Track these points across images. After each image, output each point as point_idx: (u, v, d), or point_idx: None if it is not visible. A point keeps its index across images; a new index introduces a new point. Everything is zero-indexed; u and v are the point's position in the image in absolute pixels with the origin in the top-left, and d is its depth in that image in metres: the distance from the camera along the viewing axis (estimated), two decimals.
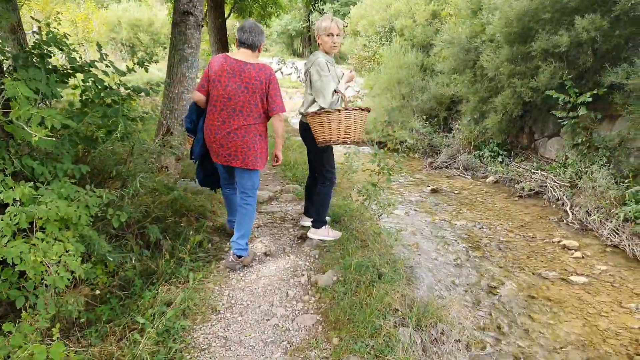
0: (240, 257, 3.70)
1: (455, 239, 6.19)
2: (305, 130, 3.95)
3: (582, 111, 7.18)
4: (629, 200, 5.98)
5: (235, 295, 3.43)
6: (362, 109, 3.60)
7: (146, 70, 3.46)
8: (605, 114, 7.25)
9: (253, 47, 3.46)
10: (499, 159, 9.30)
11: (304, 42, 34.73)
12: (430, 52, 12.50)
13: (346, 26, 17.81)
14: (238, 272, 3.70)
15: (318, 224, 4.18)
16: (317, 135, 3.65)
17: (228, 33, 10.47)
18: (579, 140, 7.42)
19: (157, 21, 26.99)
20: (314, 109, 3.73)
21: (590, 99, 7.06)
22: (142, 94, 3.22)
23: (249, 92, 3.35)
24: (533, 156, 9.12)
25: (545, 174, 8.10)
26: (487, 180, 9.02)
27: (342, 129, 3.49)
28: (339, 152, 8.83)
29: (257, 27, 3.47)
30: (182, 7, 4.31)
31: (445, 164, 10.17)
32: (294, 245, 4.34)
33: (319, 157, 3.95)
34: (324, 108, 3.61)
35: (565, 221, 6.71)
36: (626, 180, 6.23)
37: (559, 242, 5.95)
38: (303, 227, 4.56)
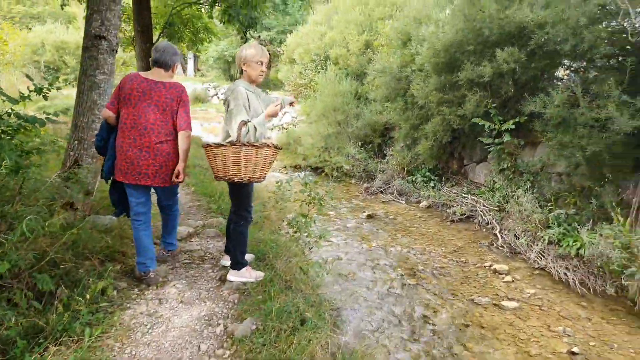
0: (171, 251, 4.05)
1: (390, 266, 6.15)
2: None
3: (506, 138, 7.50)
4: (552, 223, 6.23)
5: (139, 353, 2.92)
6: (262, 146, 3.28)
7: (45, 97, 3.07)
8: (527, 140, 7.62)
9: (166, 66, 3.54)
10: (431, 184, 9.53)
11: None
12: (364, 80, 12.77)
13: (283, 54, 17.83)
14: (145, 324, 3.20)
15: (237, 265, 3.82)
16: (212, 169, 3.45)
17: None
18: (505, 166, 7.73)
19: None
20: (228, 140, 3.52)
21: (513, 127, 7.40)
22: (37, 124, 2.87)
23: (159, 110, 3.38)
24: (463, 181, 9.41)
25: (475, 198, 8.35)
26: (420, 205, 9.18)
27: (230, 165, 3.24)
28: (274, 178, 8.59)
29: (171, 47, 3.57)
30: (93, 30, 3.99)
31: (381, 189, 10.27)
32: (211, 289, 3.85)
33: (237, 193, 3.64)
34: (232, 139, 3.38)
35: (495, 245, 6.89)
36: (549, 204, 6.51)
37: (490, 266, 6.07)
38: (224, 266, 4.18)
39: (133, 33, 10.64)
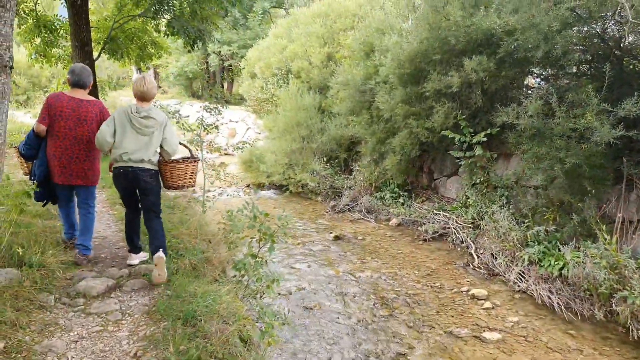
0: (86, 255, 4.21)
1: (360, 294, 5.58)
2: (153, 175, 4.06)
3: (478, 151, 7.11)
4: (531, 241, 5.81)
5: None
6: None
7: None
8: (500, 152, 7.25)
9: (84, 86, 4.25)
10: (401, 200, 9.05)
11: (204, 83, 33.79)
12: (327, 94, 12.29)
13: (243, 68, 17.28)
14: None
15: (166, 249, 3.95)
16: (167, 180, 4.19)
17: (99, 75, 9.35)
18: (477, 180, 7.33)
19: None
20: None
21: (485, 139, 7.02)
22: None
23: (86, 123, 4.13)
24: (434, 196, 8.98)
25: (447, 214, 7.91)
26: (390, 223, 8.67)
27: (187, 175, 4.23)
28: (234, 199, 7.70)
29: (86, 69, 4.27)
30: None
31: (348, 207, 9.72)
32: None
33: (159, 196, 4.12)
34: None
35: (471, 266, 6.42)
36: (526, 220, 6.09)
37: (467, 291, 5.57)
38: (130, 265, 4.23)
39: (71, 50, 9.81)
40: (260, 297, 3.68)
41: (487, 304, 5.21)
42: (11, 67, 3.27)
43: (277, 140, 12.22)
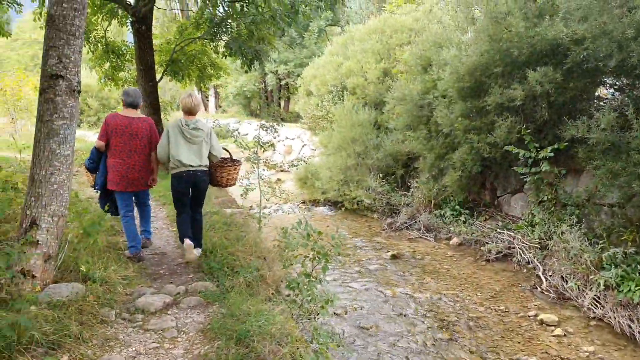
0: (148, 238, 5.37)
1: (419, 317, 5.38)
2: (206, 176, 4.92)
3: (544, 167, 6.72)
4: (606, 263, 5.37)
5: None
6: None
7: None
8: (569, 168, 6.82)
9: (137, 106, 4.94)
10: (462, 218, 8.69)
11: (261, 102, 34.64)
12: (383, 109, 12.16)
13: (299, 86, 17.51)
14: None
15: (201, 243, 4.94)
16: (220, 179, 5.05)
17: (162, 96, 9.79)
18: (544, 197, 6.92)
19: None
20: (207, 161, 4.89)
21: (552, 154, 6.63)
22: None
23: (138, 137, 4.79)
24: (497, 214, 8.58)
25: (512, 234, 7.51)
26: (450, 242, 8.36)
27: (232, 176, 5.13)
28: (290, 216, 7.74)
29: (137, 92, 4.97)
30: (49, 69, 3.35)
31: (406, 225, 9.48)
32: None
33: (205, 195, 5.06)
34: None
35: (539, 289, 6.03)
36: (600, 241, 5.65)
37: (535, 316, 5.23)
38: (187, 261, 4.82)
39: (136, 72, 10.34)
40: (314, 317, 3.61)
41: (558, 331, 4.85)
42: (79, 92, 3.47)
43: (332, 157, 12.18)
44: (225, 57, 10.30)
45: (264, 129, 6.58)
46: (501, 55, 7.17)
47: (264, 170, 14.44)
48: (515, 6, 7.03)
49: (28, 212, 3.27)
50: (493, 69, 7.37)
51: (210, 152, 4.79)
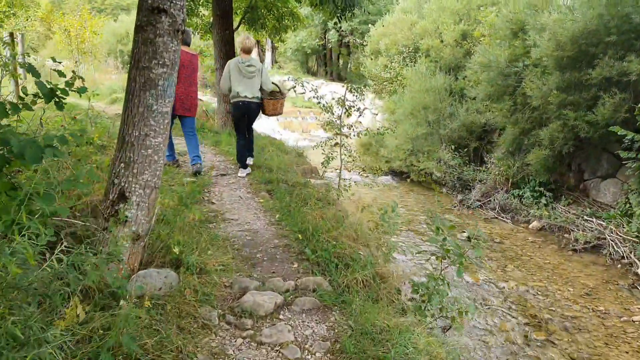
0: (199, 163, 5.81)
1: (505, 309, 4.94)
2: (258, 106, 5.98)
3: None
4: None
5: None
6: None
7: (59, 106, 2.28)
8: None
9: (189, 44, 5.83)
10: (543, 200, 8.00)
11: (319, 60, 33.84)
12: (459, 75, 11.32)
13: (366, 45, 16.64)
14: None
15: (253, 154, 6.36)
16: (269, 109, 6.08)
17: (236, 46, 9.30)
18: None
19: None
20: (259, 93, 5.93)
21: None
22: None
23: (194, 70, 5.75)
24: (583, 199, 7.86)
25: (602, 223, 6.84)
26: (530, 226, 7.75)
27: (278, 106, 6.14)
28: (356, 187, 7.13)
29: (190, 31, 5.94)
30: (150, 1, 2.61)
31: (479, 203, 8.90)
32: None
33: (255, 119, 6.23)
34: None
35: (639, 289, 5.43)
36: None
37: None
38: (240, 177, 6.00)
39: (212, 18, 9.89)
40: (447, 330, 3.24)
41: None
42: (183, 32, 2.87)
43: (400, 124, 11.56)
44: (313, 7, 9.47)
45: (351, 91, 6.08)
46: (618, 22, 6.29)
47: (325, 132, 13.99)
48: None
49: (116, 180, 2.64)
50: (605, 37, 6.51)
51: (260, 86, 5.82)
